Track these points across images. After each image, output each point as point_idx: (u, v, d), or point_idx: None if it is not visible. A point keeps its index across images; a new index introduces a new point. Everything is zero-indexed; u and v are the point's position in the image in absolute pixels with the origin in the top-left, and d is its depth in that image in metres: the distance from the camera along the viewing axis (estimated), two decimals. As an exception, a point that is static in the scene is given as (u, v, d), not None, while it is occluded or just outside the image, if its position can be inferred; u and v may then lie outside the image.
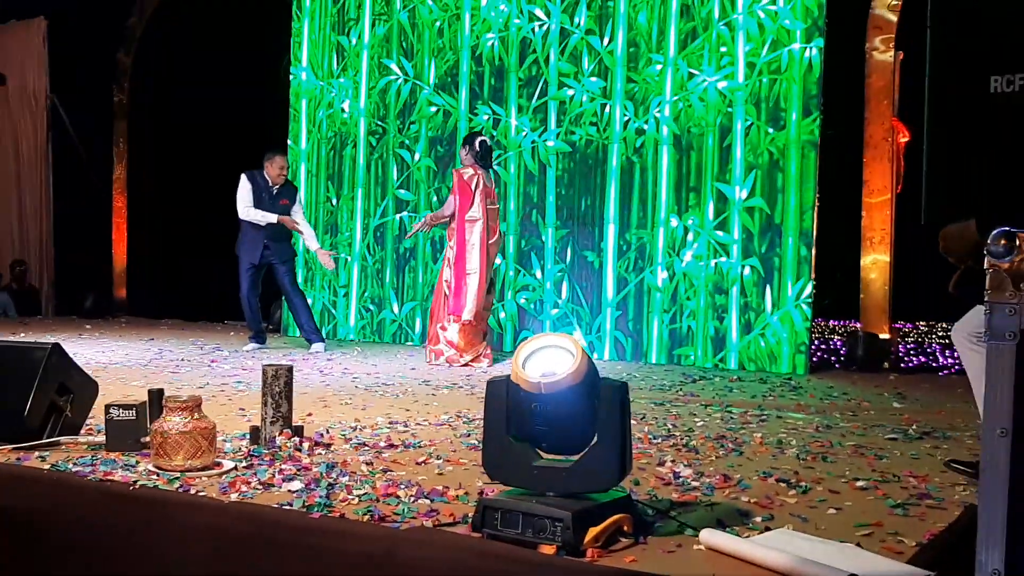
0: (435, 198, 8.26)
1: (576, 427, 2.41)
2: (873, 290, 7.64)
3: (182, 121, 10.75)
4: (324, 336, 7.76)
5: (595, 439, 2.40)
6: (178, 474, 2.98)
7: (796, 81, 6.93)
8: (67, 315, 10.64)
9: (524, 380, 2.37)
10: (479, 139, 7.00)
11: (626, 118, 7.52)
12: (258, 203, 7.35)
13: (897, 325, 8.35)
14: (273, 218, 7.34)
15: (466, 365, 6.74)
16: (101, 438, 3.42)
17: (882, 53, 7.55)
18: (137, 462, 3.16)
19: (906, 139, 7.78)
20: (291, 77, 9.24)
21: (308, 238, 7.61)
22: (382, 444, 3.64)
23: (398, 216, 8.55)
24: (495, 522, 2.37)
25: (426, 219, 7.21)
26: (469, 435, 3.91)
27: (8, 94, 10.73)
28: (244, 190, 7.36)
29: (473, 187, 6.81)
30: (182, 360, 6.59)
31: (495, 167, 7.94)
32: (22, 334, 7.88)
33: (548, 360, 2.39)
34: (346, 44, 8.90)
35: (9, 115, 10.80)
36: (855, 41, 7.60)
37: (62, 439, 3.42)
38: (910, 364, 7.79)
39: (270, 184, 7.41)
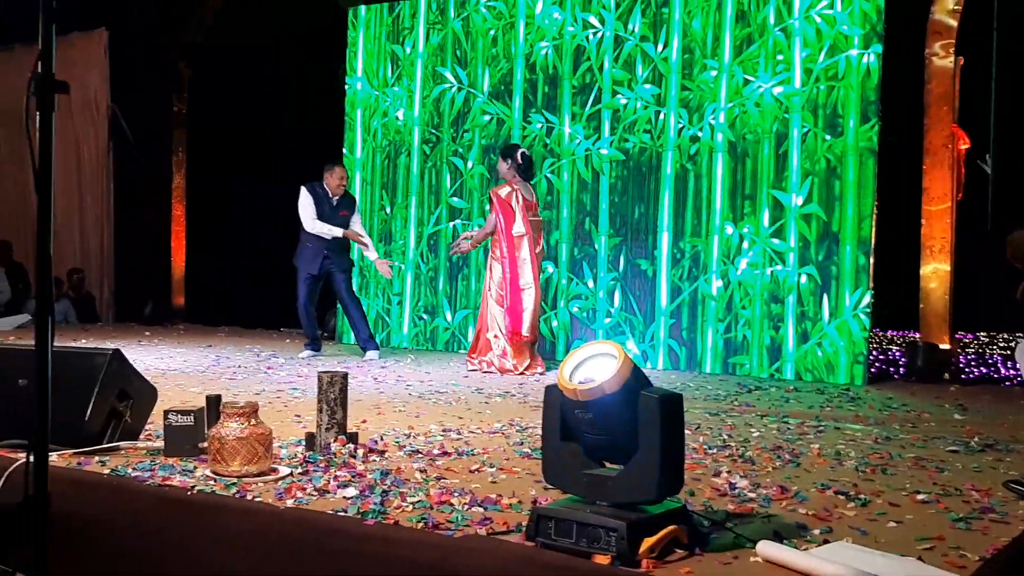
0: (488, 206, 8.26)
1: (619, 437, 2.37)
2: (933, 299, 7.51)
3: (239, 130, 10.89)
4: (378, 344, 7.80)
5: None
6: (235, 480, 3.00)
7: (854, 87, 6.84)
8: (127, 322, 10.82)
9: (565, 388, 2.38)
10: (520, 151, 7.00)
11: (680, 125, 7.47)
12: (319, 215, 7.41)
13: (957, 335, 8.19)
14: (339, 232, 7.42)
15: (521, 373, 6.75)
16: (160, 443, 3.47)
17: (942, 59, 7.43)
18: (195, 467, 3.20)
19: (967, 146, 7.64)
20: (346, 87, 9.32)
21: (369, 249, 7.67)
22: (435, 452, 3.64)
23: (451, 224, 8.58)
24: (549, 531, 2.36)
25: (469, 239, 7.28)
26: (522, 443, 3.90)
27: (70, 104, 10.94)
28: (306, 202, 7.42)
29: (513, 203, 6.81)
30: (239, 367, 6.67)
31: (548, 175, 7.94)
32: (83, 340, 8.02)
33: (594, 368, 2.38)
34: (401, 53, 8.95)
35: (72, 125, 11.01)
36: (914, 46, 7.48)
37: (122, 444, 3.47)
38: (971, 375, 7.64)
39: (330, 195, 7.48)
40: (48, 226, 1.61)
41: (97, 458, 3.31)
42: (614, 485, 2.37)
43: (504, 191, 6.88)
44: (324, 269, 7.50)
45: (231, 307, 10.79)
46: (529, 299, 6.81)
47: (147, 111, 11.20)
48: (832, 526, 2.65)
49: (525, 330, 6.80)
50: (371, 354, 7.53)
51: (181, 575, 2.75)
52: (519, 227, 6.82)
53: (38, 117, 1.60)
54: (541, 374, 6.74)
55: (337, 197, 7.51)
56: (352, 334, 8.18)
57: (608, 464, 2.47)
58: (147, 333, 9.40)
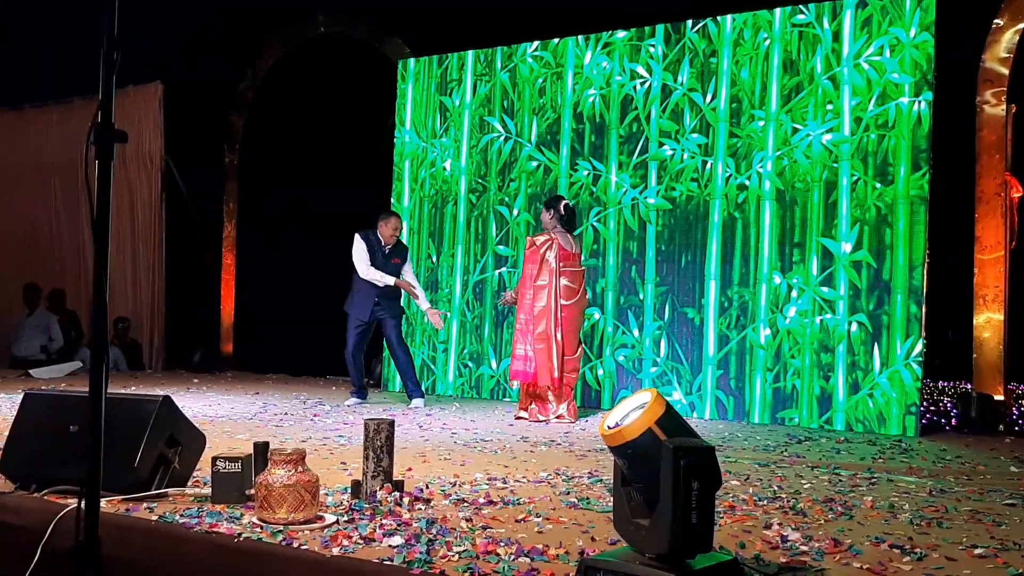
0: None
1: (648, 485, 2.33)
2: (987, 349, 7.38)
3: (289, 181, 11.04)
4: (424, 392, 7.80)
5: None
6: (281, 527, 3.00)
7: (904, 136, 6.79)
8: (176, 369, 10.93)
9: (600, 432, 2.40)
10: (564, 202, 7.00)
11: (727, 174, 7.46)
12: (372, 262, 7.48)
13: (1011, 386, 8.03)
14: (391, 280, 7.48)
15: (545, 421, 6.72)
16: (207, 490, 3.48)
17: (993, 107, 7.37)
18: (242, 514, 3.20)
19: (1020, 193, 7.55)
20: (395, 138, 9.43)
21: (420, 298, 7.70)
22: (481, 500, 3.62)
23: (497, 272, 8.60)
24: (597, 583, 2.33)
25: (510, 295, 7.30)
26: (568, 493, 3.86)
27: (125, 155, 11.18)
28: (360, 249, 7.50)
29: (543, 252, 6.81)
30: (286, 414, 6.70)
31: (594, 224, 7.95)
32: (132, 387, 8.11)
33: (633, 415, 2.36)
34: (449, 104, 9.05)
35: (126, 176, 11.23)
36: (965, 94, 7.43)
37: (170, 491, 3.48)
38: (1028, 427, 7.47)
39: (383, 243, 7.55)
40: (104, 273, 1.63)
41: (145, 504, 3.32)
42: (644, 536, 2.33)
43: (540, 239, 6.89)
44: (375, 316, 7.55)
45: (279, 355, 10.86)
46: (543, 349, 6.76)
47: (199, 162, 11.41)
48: (887, 581, 2.59)
49: (542, 380, 6.76)
50: (417, 402, 7.53)
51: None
52: (543, 278, 6.80)
53: (97, 166, 1.63)
54: (572, 422, 6.71)
55: (390, 246, 7.58)
56: (397, 381, 8.19)
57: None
58: (195, 380, 9.49)
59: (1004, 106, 7.34)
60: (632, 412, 2.38)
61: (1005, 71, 7.34)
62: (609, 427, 2.35)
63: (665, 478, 2.24)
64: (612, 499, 2.53)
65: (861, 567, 2.74)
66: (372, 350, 8.36)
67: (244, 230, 11.74)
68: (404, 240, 8.39)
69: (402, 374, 7.72)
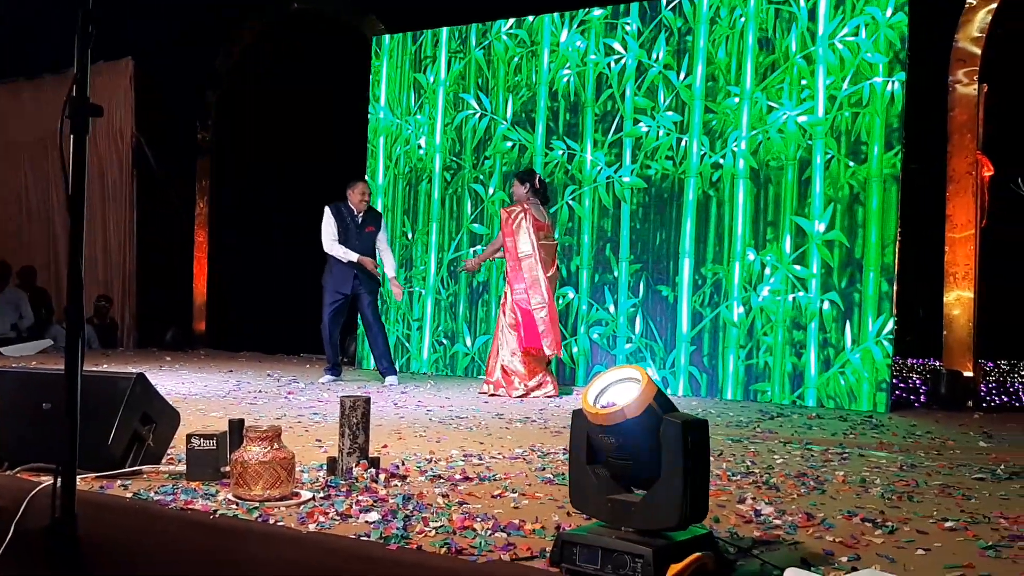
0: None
1: (642, 462, 2.35)
2: (956, 327, 7.45)
3: (263, 157, 10.97)
4: (397, 370, 7.79)
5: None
6: (257, 504, 3.00)
7: (878, 114, 6.83)
8: (148, 347, 10.87)
9: (588, 412, 2.37)
10: (537, 176, 7.17)
11: (702, 152, 7.48)
12: (344, 234, 7.47)
13: (980, 363, 8.12)
14: (354, 257, 7.44)
15: (526, 394, 6.79)
16: (182, 467, 3.47)
17: (965, 86, 7.41)
18: (217, 491, 3.19)
19: (991, 173, 7.61)
20: (369, 115, 9.38)
21: (388, 265, 7.68)
22: (457, 477, 3.63)
23: (472, 250, 8.59)
24: (573, 557, 2.34)
25: (477, 258, 7.51)
26: (544, 469, 3.88)
27: (96, 132, 11.06)
28: (328, 223, 7.49)
29: (515, 225, 6.89)
30: (259, 392, 6.68)
31: (569, 202, 7.96)
32: (104, 365, 8.05)
33: (618, 392, 2.36)
34: (424, 81, 9.01)
35: (97, 152, 11.11)
36: (938, 74, 7.47)
37: (144, 468, 3.47)
38: (994, 403, 7.56)
39: (355, 213, 7.51)
40: (80, 248, 1.62)
41: (119, 482, 3.31)
42: (637, 511, 2.35)
43: (514, 210, 6.99)
44: (355, 289, 7.52)
45: (252, 333, 10.82)
46: (544, 316, 6.83)
47: (171, 139, 11.30)
48: (859, 553, 2.62)
49: (548, 348, 6.86)
50: (390, 379, 7.53)
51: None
52: (524, 246, 6.89)
53: (72, 140, 1.62)
54: (552, 396, 6.78)
55: (361, 214, 7.54)
56: (372, 359, 8.19)
57: (634, 489, 2.45)
58: (168, 358, 9.44)
59: (976, 86, 7.39)
60: (615, 389, 2.38)
61: (977, 51, 7.38)
62: (603, 406, 2.34)
63: (673, 453, 2.27)
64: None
65: (834, 540, 2.77)
66: (345, 328, 8.34)
67: (217, 208, 11.66)
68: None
69: (375, 351, 7.70)
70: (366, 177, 9.21)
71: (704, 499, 2.36)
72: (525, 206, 6.97)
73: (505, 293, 7.10)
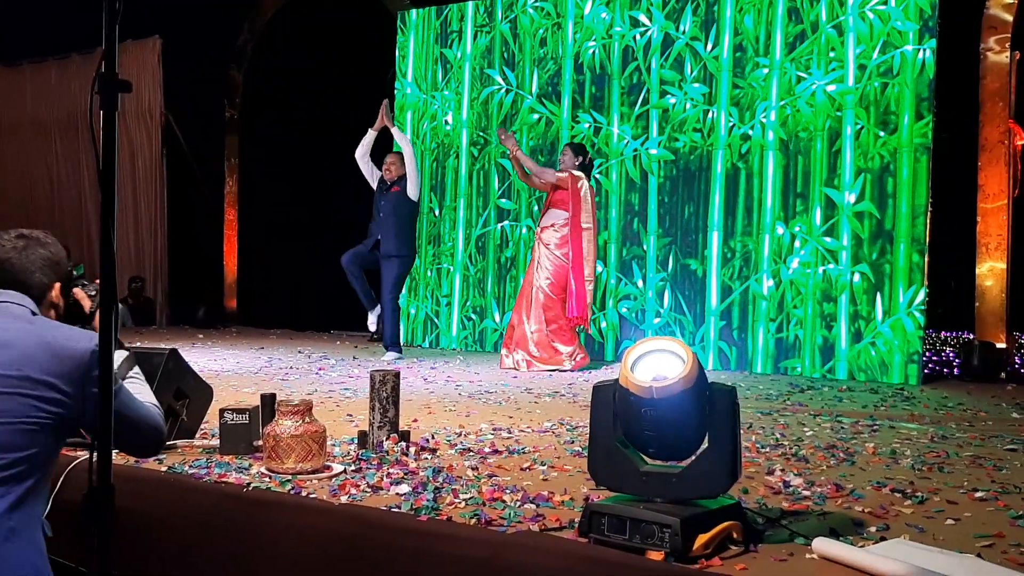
0: (536, 207, 8.26)
1: (686, 432, 2.37)
2: (989, 298, 7.39)
3: (291, 135, 11.01)
4: (401, 349, 7.76)
5: (704, 444, 2.37)
6: (289, 476, 3.04)
7: (908, 84, 6.75)
8: (180, 325, 10.97)
9: (634, 384, 2.33)
10: (589, 156, 7.17)
11: (731, 124, 7.43)
12: (377, 190, 7.62)
13: (1014, 335, 8.05)
14: (369, 136, 7.64)
15: (556, 368, 6.81)
16: (215, 442, 3.51)
17: (997, 54, 7.32)
18: (250, 465, 3.23)
19: (1023, 141, 7.51)
20: (396, 91, 9.38)
21: (397, 133, 7.78)
22: (487, 450, 3.65)
23: (499, 225, 8.60)
24: (602, 527, 2.36)
25: (518, 153, 7.18)
26: (573, 442, 3.90)
27: (125, 112, 11.13)
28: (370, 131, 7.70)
29: (582, 192, 6.89)
30: (291, 368, 6.73)
31: (597, 176, 7.94)
32: (138, 343, 8.13)
33: (658, 364, 2.36)
34: (450, 56, 9.00)
35: (126, 132, 11.19)
36: (969, 42, 7.37)
37: (178, 442, 3.52)
38: (1029, 374, 7.51)
39: (386, 182, 7.60)
40: (111, 224, 1.64)
41: (154, 456, 3.35)
42: (680, 481, 2.36)
43: (584, 183, 6.94)
44: (376, 247, 7.57)
45: (282, 310, 10.90)
46: (590, 290, 6.91)
47: (200, 118, 11.36)
48: (889, 523, 2.62)
49: (583, 312, 6.90)
50: (389, 355, 7.52)
51: (245, 569, 2.79)
52: (587, 220, 6.91)
53: (102, 116, 1.63)
54: (584, 368, 6.80)
55: (392, 181, 7.59)
56: (408, 334, 8.23)
57: (657, 461, 2.46)
58: (200, 336, 9.53)
59: (1008, 53, 7.29)
60: (651, 361, 2.37)
61: (1009, 18, 7.27)
62: (656, 379, 2.32)
63: (722, 420, 2.35)
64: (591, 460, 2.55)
65: (863, 510, 2.77)
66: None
67: (246, 185, 11.72)
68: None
69: (385, 322, 7.67)
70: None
71: (740, 464, 2.42)
72: (587, 182, 6.97)
73: (539, 261, 7.04)
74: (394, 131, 7.69)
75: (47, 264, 2.29)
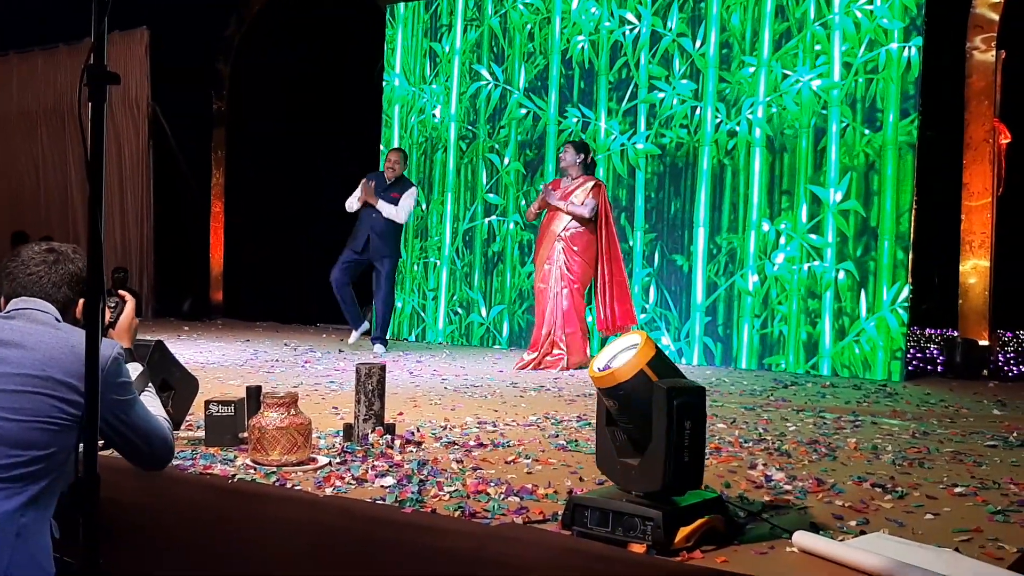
0: (523, 201, 8.28)
1: (639, 426, 2.36)
2: (972, 296, 7.44)
3: (278, 127, 10.98)
4: (387, 341, 7.82)
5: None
6: (275, 469, 3.05)
7: (894, 81, 6.79)
8: (166, 317, 10.95)
9: (590, 375, 2.42)
10: (592, 154, 7.15)
11: (718, 120, 7.46)
12: (376, 186, 7.64)
13: (997, 332, 8.10)
14: (356, 195, 7.64)
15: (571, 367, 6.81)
16: (201, 433, 3.52)
17: (983, 52, 7.35)
18: (235, 457, 3.24)
19: (1008, 140, 7.56)
20: (384, 84, 9.37)
21: (381, 204, 7.62)
22: (471, 443, 3.67)
23: (487, 220, 8.61)
24: (585, 520, 2.38)
25: (553, 200, 6.91)
26: (557, 436, 3.92)
27: (112, 103, 11.08)
28: (358, 189, 7.69)
29: (604, 195, 6.90)
30: (276, 360, 6.73)
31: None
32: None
33: (622, 357, 2.38)
34: (439, 50, 9.00)
35: (113, 123, 11.15)
36: (955, 40, 7.41)
37: (164, 433, 3.51)
38: (1011, 372, 7.55)
39: (385, 181, 7.63)
40: (99, 214, 1.64)
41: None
42: (636, 474, 2.37)
43: (601, 187, 6.89)
44: (366, 250, 7.62)
45: (268, 303, 10.88)
46: (627, 294, 6.93)
47: (187, 110, 11.33)
48: (869, 518, 2.65)
49: (623, 321, 6.83)
50: (377, 348, 7.59)
51: (230, 560, 2.80)
52: (610, 223, 6.90)
53: (90, 108, 1.64)
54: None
55: (391, 181, 7.61)
56: (395, 328, 8.26)
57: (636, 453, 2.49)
58: (186, 328, 9.52)
59: (994, 52, 7.32)
60: (621, 354, 2.41)
61: (995, 17, 7.31)
62: (599, 369, 2.38)
63: (659, 418, 2.26)
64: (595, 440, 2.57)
65: (843, 505, 2.80)
66: (364, 299, 8.36)
67: (232, 178, 11.69)
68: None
69: (377, 314, 7.75)
70: (381, 148, 9.22)
71: (696, 467, 2.32)
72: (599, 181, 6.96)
73: (568, 266, 6.82)
74: (379, 206, 7.64)
75: (74, 279, 2.35)
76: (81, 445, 1.91)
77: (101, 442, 2.34)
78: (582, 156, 6.92)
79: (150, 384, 2.74)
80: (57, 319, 2.27)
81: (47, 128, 12.02)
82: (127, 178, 11.45)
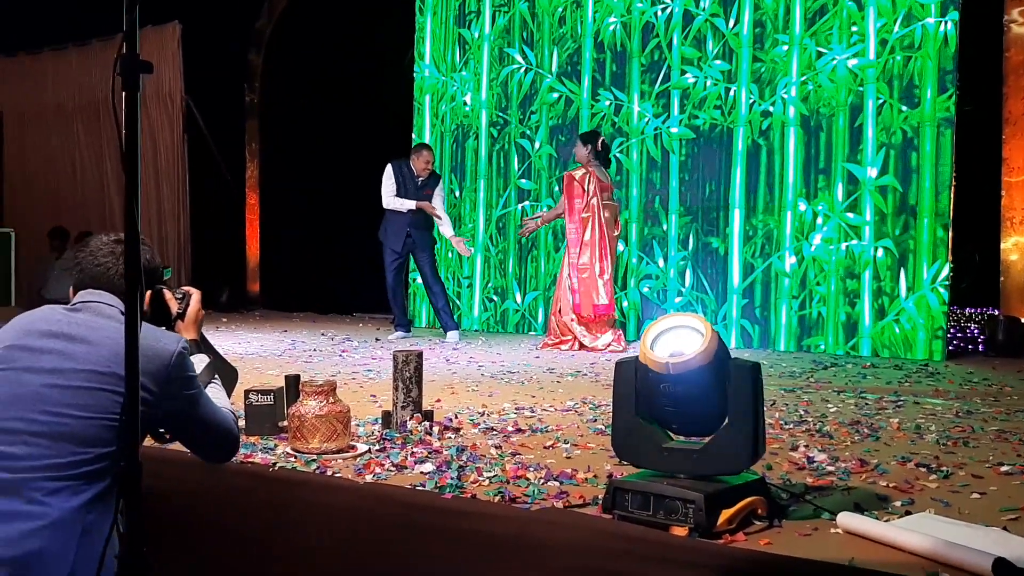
0: (556, 187, 8.26)
1: (706, 408, 2.37)
2: (1014, 273, 7.32)
3: (311, 118, 11.02)
4: (459, 325, 7.85)
5: (726, 420, 2.36)
6: (314, 456, 3.06)
7: (931, 57, 6.69)
8: (204, 309, 10.98)
9: (652, 360, 2.34)
10: (601, 138, 7.15)
11: (751, 100, 7.38)
12: (402, 191, 7.58)
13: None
14: (412, 204, 7.55)
15: (593, 349, 6.82)
16: (241, 423, 3.53)
17: (1021, 26, 7.21)
18: (275, 445, 3.26)
19: (1049, 114, 7.42)
20: (415, 72, 9.37)
21: (444, 224, 7.73)
22: (510, 429, 3.67)
23: (520, 206, 8.59)
24: (626, 503, 2.37)
25: (537, 219, 7.55)
26: (595, 420, 3.91)
27: (146, 97, 11.16)
28: (388, 179, 7.60)
29: (586, 185, 6.87)
30: (314, 350, 6.77)
31: (617, 155, 7.91)
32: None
33: (677, 340, 2.36)
34: (468, 37, 8.98)
35: (148, 118, 11.22)
36: (992, 14, 7.28)
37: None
38: (1056, 349, 7.43)
39: (415, 175, 7.58)
40: (135, 204, 1.65)
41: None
42: (700, 457, 2.36)
43: (579, 173, 6.95)
44: (407, 247, 7.62)
45: (305, 293, 10.93)
46: (592, 279, 6.83)
47: (220, 103, 11.38)
48: (914, 498, 2.62)
49: (585, 310, 6.87)
50: (452, 335, 7.59)
51: (273, 547, 2.82)
52: (585, 210, 6.87)
53: (124, 97, 1.64)
54: (623, 351, 6.77)
55: (422, 178, 7.60)
56: (424, 316, 8.26)
57: (680, 437, 2.47)
58: (224, 319, 9.58)
59: (1033, 24, 7.19)
60: (671, 337, 2.37)
61: (1034, -12, 7.18)
62: (672, 355, 2.33)
63: (742, 396, 2.31)
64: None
65: (887, 485, 2.77)
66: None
67: (267, 169, 11.75)
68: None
69: (437, 308, 7.78)
70: (413, 136, 9.23)
71: (764, 441, 2.39)
72: (589, 168, 6.95)
73: (567, 250, 7.10)
74: (443, 228, 7.75)
75: (142, 272, 2.32)
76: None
77: (168, 435, 2.37)
78: (589, 147, 7.00)
79: (216, 377, 2.72)
80: (123, 312, 2.27)
81: (83, 124, 12.12)
82: (162, 172, 11.53)
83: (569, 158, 8.19)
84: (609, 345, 6.88)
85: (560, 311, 7.08)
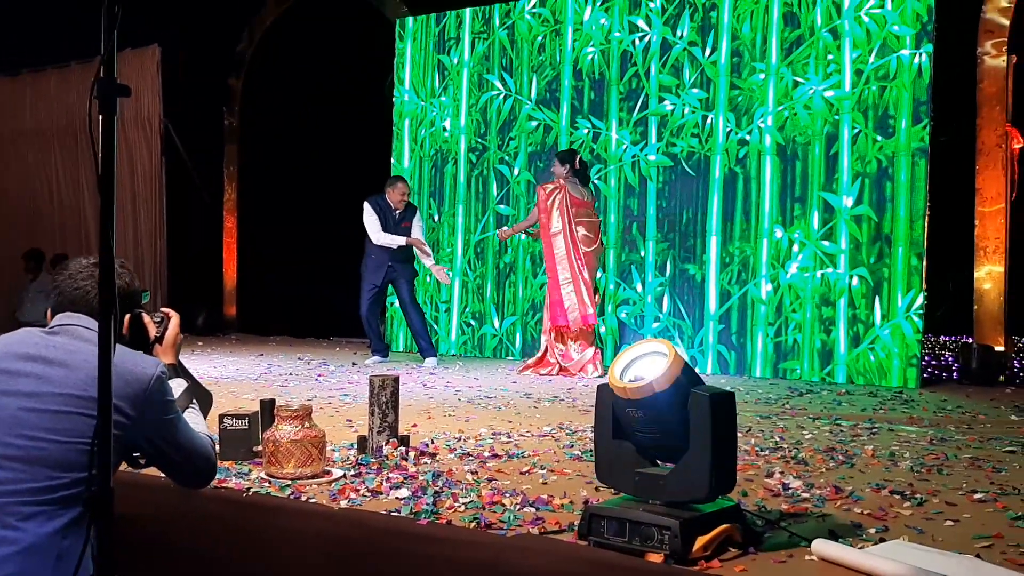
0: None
1: (670, 435, 2.35)
2: (987, 301, 7.40)
3: (289, 142, 11.02)
4: (437, 352, 7.83)
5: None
6: (289, 481, 3.04)
7: (905, 87, 6.77)
8: (180, 332, 10.93)
9: (615, 386, 2.36)
10: (579, 157, 7.21)
11: (728, 129, 7.44)
12: (384, 226, 7.55)
13: (1012, 338, 8.05)
14: (402, 241, 7.57)
15: (571, 372, 6.84)
16: (215, 447, 3.50)
17: (994, 58, 7.34)
18: (250, 470, 3.24)
19: (1020, 145, 7.53)
20: (394, 97, 9.39)
21: (427, 257, 7.74)
22: (486, 454, 3.66)
23: (498, 231, 8.60)
24: (601, 530, 2.36)
25: (512, 228, 7.72)
26: (572, 446, 3.90)
27: (124, 120, 11.12)
28: (370, 216, 7.57)
29: (549, 203, 6.95)
30: (290, 374, 6.74)
31: (595, 181, 7.94)
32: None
33: (644, 366, 2.37)
34: (448, 63, 9.01)
35: (125, 140, 11.17)
36: (966, 46, 7.39)
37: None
38: (1028, 378, 7.51)
39: (393, 209, 7.59)
40: (111, 228, 1.64)
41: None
42: (666, 484, 2.36)
43: (549, 187, 7.05)
44: (387, 279, 7.63)
45: (282, 317, 10.90)
46: (570, 292, 6.88)
47: (199, 125, 11.37)
48: (888, 525, 2.63)
49: (573, 324, 6.92)
50: (429, 361, 7.58)
51: (239, 573, 2.79)
52: (556, 225, 6.97)
53: (100, 120, 1.64)
54: (600, 376, 6.78)
55: (399, 211, 7.61)
56: (402, 341, 8.24)
57: (660, 463, 2.47)
58: (200, 343, 9.53)
59: (1005, 57, 7.31)
60: (644, 363, 2.38)
61: (1006, 22, 7.29)
62: (631, 381, 2.34)
63: (701, 425, 2.27)
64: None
65: (862, 512, 2.78)
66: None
67: (245, 193, 11.73)
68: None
69: (415, 334, 7.77)
70: (392, 160, 9.24)
71: (732, 471, 2.38)
72: (561, 182, 7.01)
73: (547, 270, 7.20)
74: (430, 266, 7.82)
75: (120, 295, 2.29)
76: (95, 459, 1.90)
77: (142, 460, 2.34)
78: (567, 166, 7.07)
79: (194, 401, 2.70)
80: None
81: (60, 147, 12.05)
82: (140, 195, 11.47)
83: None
84: (586, 365, 6.90)
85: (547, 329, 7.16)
